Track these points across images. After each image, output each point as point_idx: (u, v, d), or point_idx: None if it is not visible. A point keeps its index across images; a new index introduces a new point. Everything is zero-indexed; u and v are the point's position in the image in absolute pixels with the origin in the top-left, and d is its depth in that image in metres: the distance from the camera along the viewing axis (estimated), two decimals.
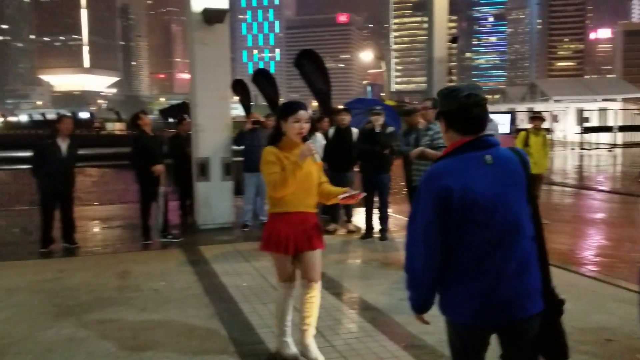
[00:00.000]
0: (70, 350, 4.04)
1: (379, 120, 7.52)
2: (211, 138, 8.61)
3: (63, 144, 7.28)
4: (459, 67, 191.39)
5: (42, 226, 7.33)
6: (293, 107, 3.53)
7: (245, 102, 15.33)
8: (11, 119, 75.48)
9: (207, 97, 8.60)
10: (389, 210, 8.05)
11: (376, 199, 7.74)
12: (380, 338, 4.20)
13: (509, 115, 17.17)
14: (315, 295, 3.69)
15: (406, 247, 2.24)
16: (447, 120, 2.27)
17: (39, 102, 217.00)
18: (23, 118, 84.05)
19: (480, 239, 2.13)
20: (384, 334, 4.27)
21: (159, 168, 7.57)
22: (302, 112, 3.49)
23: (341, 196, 3.52)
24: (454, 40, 45.72)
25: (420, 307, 2.28)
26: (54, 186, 7.24)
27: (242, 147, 8.86)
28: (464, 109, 2.20)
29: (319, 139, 7.46)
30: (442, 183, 2.13)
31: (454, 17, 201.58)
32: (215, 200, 8.69)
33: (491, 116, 6.67)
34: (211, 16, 8.45)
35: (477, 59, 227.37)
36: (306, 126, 3.52)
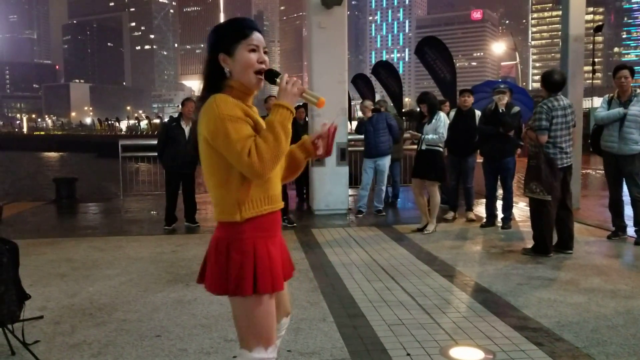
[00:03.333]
0: (175, 311, 4.13)
1: (502, 100, 6.96)
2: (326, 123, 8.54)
3: (186, 127, 7.58)
4: (606, 62, 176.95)
5: (166, 205, 7.70)
6: (241, 25, 2.00)
7: (369, 98, 15.12)
8: (155, 121, 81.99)
9: (323, 81, 8.56)
10: (514, 198, 7.47)
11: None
12: (491, 319, 3.83)
13: None
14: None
15: None
16: None
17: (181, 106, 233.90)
18: (166, 120, 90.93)
19: None
20: (495, 315, 3.89)
21: None
22: (258, 35, 2.00)
23: (319, 150, 2.19)
24: (598, 29, 42.48)
25: None
26: (177, 167, 7.56)
27: (363, 135, 8.66)
28: None
29: (443, 119, 6.94)
30: None
31: (600, 9, 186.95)
32: (330, 185, 8.63)
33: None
34: None
35: (627, 53, 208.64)
36: (267, 58, 2.02)
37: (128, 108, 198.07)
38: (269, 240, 2.00)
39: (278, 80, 1.96)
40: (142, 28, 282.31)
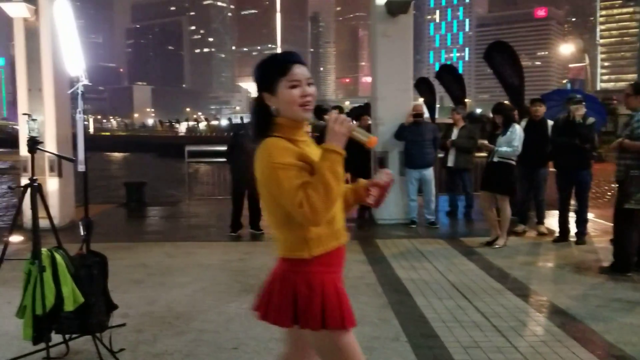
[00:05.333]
0: (249, 323, 4.20)
1: (579, 111, 6.71)
2: (390, 132, 8.50)
3: None
4: None
5: (232, 212, 7.87)
6: (282, 60, 1.93)
7: (430, 103, 14.92)
8: (213, 122, 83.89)
9: (388, 90, 8.52)
10: (589, 212, 7.22)
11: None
12: (571, 344, 3.72)
13: None
14: None
15: None
16: None
17: (238, 108, 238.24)
18: (224, 122, 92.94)
19: None
20: (575, 340, 3.78)
21: None
22: (299, 68, 1.92)
23: (370, 198, 2.12)
24: None
25: None
26: (243, 175, 7.72)
27: (403, 141, 8.33)
28: None
29: (519, 132, 6.71)
30: None
31: None
32: (393, 194, 8.57)
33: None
34: (395, 7, 8.36)
35: None
36: (312, 90, 1.93)
37: (187, 109, 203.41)
38: (335, 276, 2.00)
39: (327, 117, 1.88)
40: (201, 31, 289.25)
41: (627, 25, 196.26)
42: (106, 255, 3.63)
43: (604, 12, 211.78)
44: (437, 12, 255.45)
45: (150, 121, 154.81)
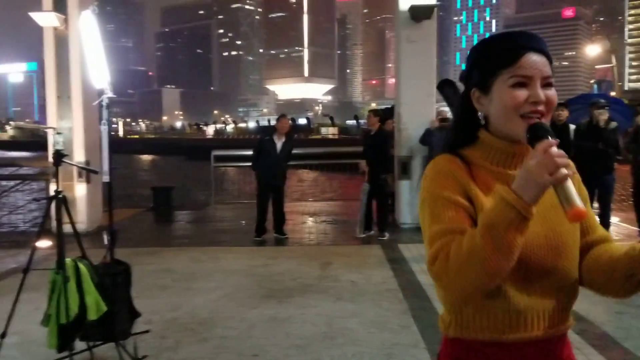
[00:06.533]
0: (271, 330, 4.28)
1: (603, 115, 6.65)
2: (414, 136, 8.50)
3: (279, 142, 7.82)
4: None
5: (257, 217, 7.96)
6: (510, 43, 1.22)
7: (455, 105, 14.84)
8: (241, 125, 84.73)
9: (412, 94, 8.53)
10: (612, 217, 7.11)
11: (594, 204, 6.90)
12: (590, 352, 3.69)
13: None
14: None
15: None
16: None
17: (265, 110, 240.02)
18: (251, 124, 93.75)
19: None
20: (593, 348, 3.75)
21: (362, 164, 7.76)
22: (534, 57, 1.19)
23: None
24: None
25: None
26: (268, 179, 7.81)
27: (428, 146, 8.28)
28: None
29: None
30: None
31: None
32: (416, 199, 8.54)
33: None
34: (418, 12, 8.37)
35: None
36: (549, 95, 1.19)
37: (215, 112, 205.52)
38: None
39: (537, 145, 1.08)
40: (230, 35, 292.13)
41: None
42: (132, 260, 3.73)
43: (632, 12, 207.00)
44: (464, 13, 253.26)
45: (178, 124, 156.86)
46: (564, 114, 7.50)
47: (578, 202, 1.03)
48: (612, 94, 47.33)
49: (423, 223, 1.23)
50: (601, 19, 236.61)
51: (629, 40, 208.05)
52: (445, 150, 1.28)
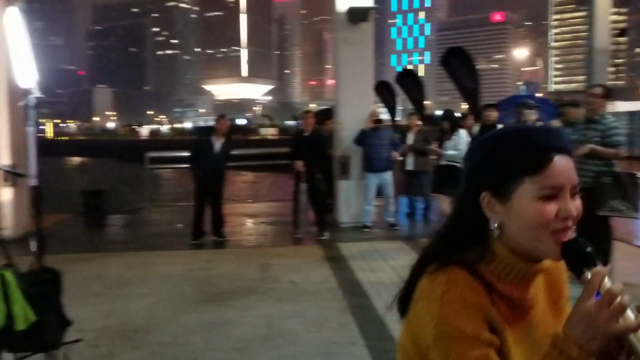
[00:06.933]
0: (210, 334, 4.21)
1: (531, 116, 6.91)
2: (353, 137, 8.59)
3: (217, 143, 7.71)
4: (629, 63, 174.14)
5: (194, 219, 7.82)
6: (537, 144, 0.98)
7: (391, 106, 15.08)
8: (177, 125, 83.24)
9: (350, 95, 8.63)
10: None
11: None
12: None
13: None
14: None
15: None
16: None
17: (202, 110, 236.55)
18: (188, 125, 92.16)
19: None
20: None
21: (298, 164, 7.76)
22: (562, 163, 0.97)
23: None
24: (622, 33, 42.02)
25: None
26: (206, 181, 7.69)
27: (362, 146, 8.42)
28: None
29: (463, 137, 7.13)
30: None
31: (624, 10, 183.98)
32: (355, 198, 8.68)
33: None
34: (356, 15, 8.48)
35: None
36: (580, 208, 0.98)
37: (150, 113, 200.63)
38: None
39: (589, 276, 0.91)
40: (165, 33, 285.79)
41: (578, 28, 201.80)
42: (62, 267, 3.58)
43: (556, 16, 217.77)
44: (399, 16, 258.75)
45: (111, 125, 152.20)
46: (493, 114, 7.78)
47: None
48: (539, 94, 49.57)
49: None
50: (528, 23, 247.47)
51: (554, 44, 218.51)
52: (450, 255, 1.02)
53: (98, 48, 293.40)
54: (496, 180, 1.00)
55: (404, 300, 1.06)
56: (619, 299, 0.86)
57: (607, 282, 0.88)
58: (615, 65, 40.98)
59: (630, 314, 0.85)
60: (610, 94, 5.50)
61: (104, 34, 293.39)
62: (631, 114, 17.24)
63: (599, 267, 0.91)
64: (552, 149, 0.98)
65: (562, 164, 0.97)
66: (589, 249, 0.94)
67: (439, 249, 1.05)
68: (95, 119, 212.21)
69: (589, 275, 0.90)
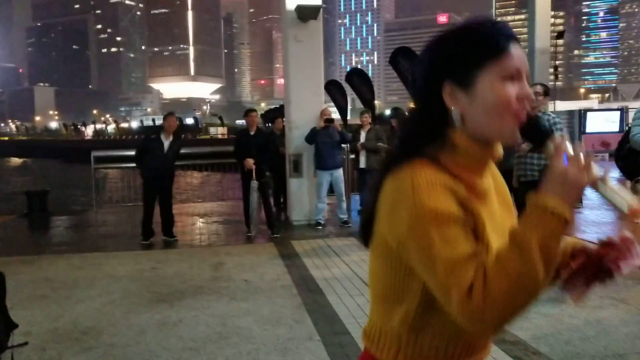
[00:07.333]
0: (161, 334, 4.14)
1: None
2: (304, 134, 8.61)
3: (166, 141, 7.57)
4: (567, 64, 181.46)
5: (143, 219, 7.66)
6: (495, 32, 1.06)
7: (341, 104, 15.16)
8: (123, 125, 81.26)
9: (301, 94, 8.65)
10: None
11: None
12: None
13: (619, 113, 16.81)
14: None
15: None
16: None
17: (149, 109, 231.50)
18: (134, 124, 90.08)
19: None
20: None
21: (249, 162, 7.69)
22: (518, 51, 1.06)
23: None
24: (560, 35, 43.68)
25: None
26: (155, 180, 7.54)
27: (314, 144, 8.46)
28: None
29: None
30: None
31: (561, 13, 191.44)
32: (307, 196, 8.71)
33: None
34: (305, 12, 8.49)
35: (587, 55, 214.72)
36: (532, 92, 1.11)
37: (94, 112, 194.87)
38: None
39: (552, 146, 1.02)
40: (109, 30, 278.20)
41: (520, 30, 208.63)
42: (5, 270, 3.46)
43: (499, 19, 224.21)
44: (348, 16, 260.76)
45: (54, 124, 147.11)
46: None
47: (631, 198, 0.98)
48: None
49: (425, 249, 0.98)
50: None
51: None
52: (412, 153, 1.06)
53: (38, 45, 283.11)
54: (459, 69, 1.05)
55: (367, 228, 1.13)
56: (583, 155, 0.97)
57: (569, 146, 0.99)
58: (555, 67, 42.67)
59: (595, 167, 0.98)
60: (549, 92, 5.77)
61: (44, 31, 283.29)
62: (570, 113, 18.03)
63: (558, 134, 1.01)
64: (510, 35, 1.07)
65: (518, 49, 1.06)
66: (544, 124, 1.06)
67: (402, 149, 1.09)
68: (37, 118, 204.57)
69: (551, 145, 1.01)
